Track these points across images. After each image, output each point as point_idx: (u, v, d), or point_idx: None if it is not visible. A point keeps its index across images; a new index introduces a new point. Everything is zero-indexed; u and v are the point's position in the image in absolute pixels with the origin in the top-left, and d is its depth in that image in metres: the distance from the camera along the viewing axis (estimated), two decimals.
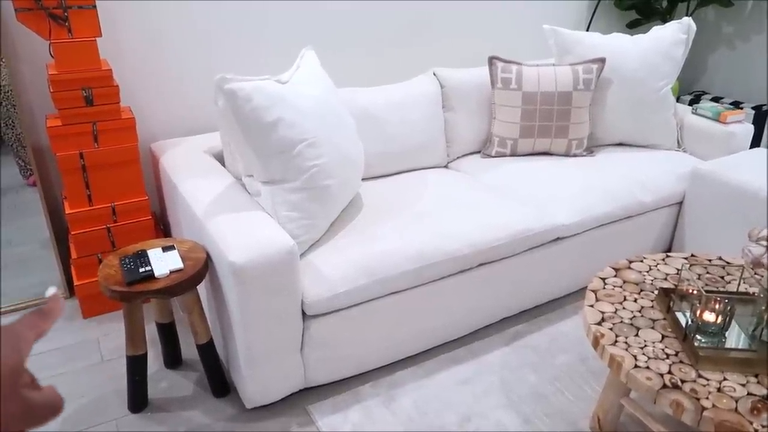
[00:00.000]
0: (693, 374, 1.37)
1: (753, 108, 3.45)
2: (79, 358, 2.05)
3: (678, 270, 1.79)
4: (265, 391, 1.76)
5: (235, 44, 2.50)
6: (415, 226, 1.96)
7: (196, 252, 1.77)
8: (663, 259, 1.85)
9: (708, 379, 1.35)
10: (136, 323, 1.72)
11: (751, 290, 1.67)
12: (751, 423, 1.23)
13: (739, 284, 1.68)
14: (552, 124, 2.51)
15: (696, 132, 2.71)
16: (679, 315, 1.55)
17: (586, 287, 2.20)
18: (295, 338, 1.74)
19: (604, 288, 1.69)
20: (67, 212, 2.10)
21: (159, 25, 2.32)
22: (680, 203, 2.52)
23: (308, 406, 1.84)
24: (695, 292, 1.58)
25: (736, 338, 1.48)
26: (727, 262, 1.84)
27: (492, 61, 2.55)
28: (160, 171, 2.19)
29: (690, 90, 3.96)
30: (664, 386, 1.33)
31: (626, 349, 1.44)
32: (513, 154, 2.60)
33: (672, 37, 2.64)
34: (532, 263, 2.15)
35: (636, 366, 1.39)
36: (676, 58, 2.65)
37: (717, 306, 1.47)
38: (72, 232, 2.13)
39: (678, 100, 3.71)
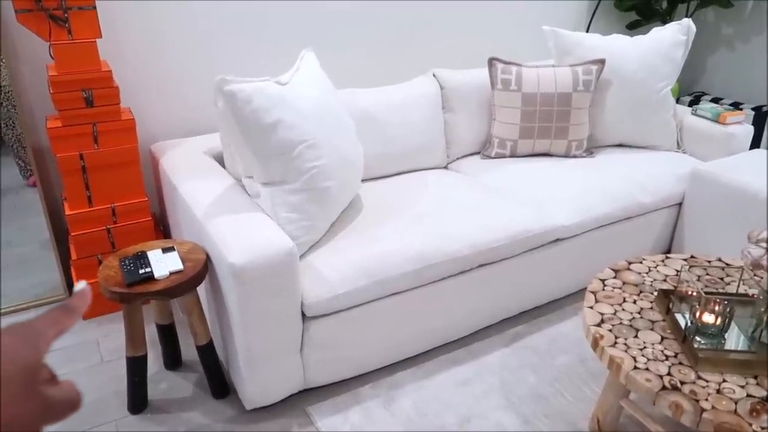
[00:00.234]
0: (692, 376, 1.37)
1: (753, 109, 3.45)
2: (78, 359, 2.05)
3: (677, 271, 1.79)
4: (265, 393, 1.77)
5: (235, 45, 2.50)
6: (414, 227, 1.96)
7: (195, 253, 1.77)
8: (662, 261, 1.85)
9: (707, 381, 1.36)
10: (135, 324, 1.72)
11: (750, 292, 1.67)
12: (751, 425, 1.23)
13: (738, 286, 1.68)
14: (552, 126, 2.52)
15: (696, 133, 2.71)
16: (678, 316, 1.56)
17: (586, 288, 2.20)
18: (295, 339, 1.74)
19: (604, 289, 1.69)
20: (67, 213, 2.10)
21: (159, 26, 2.32)
22: (680, 204, 2.52)
23: (308, 408, 1.84)
24: (695, 293, 1.58)
25: (735, 340, 1.48)
26: (727, 264, 1.84)
27: (492, 62, 2.55)
28: (160, 172, 2.20)
29: (690, 91, 3.96)
30: (664, 388, 1.33)
31: (626, 351, 1.44)
32: (513, 156, 2.60)
33: (672, 38, 2.64)
34: (531, 264, 2.15)
35: (635, 367, 1.39)
36: (676, 59, 2.65)
37: (716, 307, 1.47)
38: (72, 233, 2.13)
39: (678, 101, 3.71)
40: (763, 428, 1.22)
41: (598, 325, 1.54)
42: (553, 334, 2.18)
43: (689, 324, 1.51)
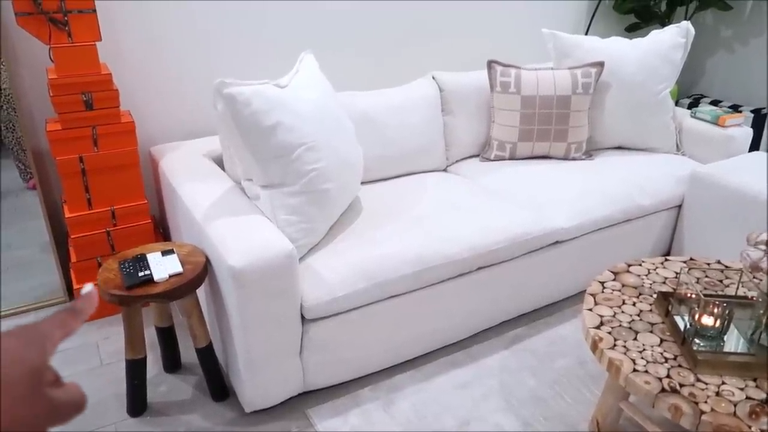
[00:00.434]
0: (691, 378, 1.37)
1: (752, 111, 3.46)
2: (78, 362, 2.05)
3: (677, 274, 1.79)
4: (265, 395, 1.76)
5: (234, 48, 2.51)
6: (414, 229, 1.96)
7: (195, 256, 1.77)
8: (662, 263, 1.85)
9: (706, 383, 1.36)
10: (135, 327, 1.72)
11: (749, 294, 1.67)
12: (750, 427, 1.23)
13: (737, 288, 1.68)
14: (551, 128, 2.52)
15: (695, 135, 2.71)
16: (677, 319, 1.56)
17: (585, 291, 2.20)
18: (295, 342, 1.74)
19: (603, 292, 1.69)
20: (66, 216, 2.11)
21: (158, 28, 2.33)
22: (679, 206, 2.52)
23: (307, 410, 1.84)
24: (694, 295, 1.58)
25: (734, 342, 1.48)
26: (726, 266, 1.84)
27: (491, 64, 2.55)
28: (160, 175, 2.20)
29: (689, 93, 3.97)
30: (663, 390, 1.33)
31: (625, 353, 1.44)
32: (512, 158, 2.60)
33: (671, 40, 2.65)
34: (531, 267, 2.15)
35: (635, 370, 1.39)
36: (675, 61, 2.65)
37: (715, 310, 1.47)
38: (72, 236, 2.13)
39: (677, 103, 3.72)
40: (762, 430, 1.22)
41: (598, 327, 1.54)
42: (553, 336, 2.18)
43: (688, 326, 1.51)
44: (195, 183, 1.96)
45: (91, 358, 2.07)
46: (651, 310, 1.61)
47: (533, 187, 2.32)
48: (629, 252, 2.45)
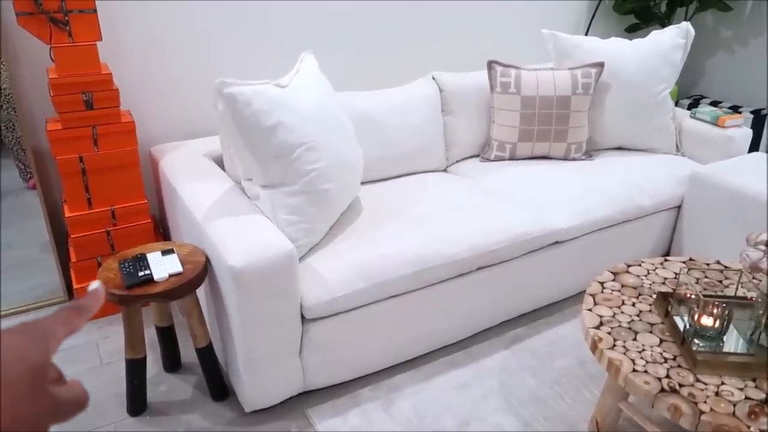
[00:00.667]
0: (691, 378, 1.37)
1: (752, 112, 3.46)
2: (78, 362, 2.05)
3: (676, 274, 1.80)
4: (264, 395, 1.77)
5: (234, 48, 2.51)
6: (414, 229, 1.96)
7: (195, 256, 1.77)
8: (661, 263, 1.85)
9: (706, 384, 1.36)
10: (135, 327, 1.73)
11: (749, 294, 1.67)
12: (749, 427, 1.23)
13: (737, 288, 1.69)
14: (551, 128, 2.52)
15: (694, 136, 2.72)
16: (677, 319, 1.56)
17: (585, 291, 2.20)
18: (294, 342, 1.74)
19: (603, 292, 1.70)
20: (66, 215, 2.11)
21: (159, 28, 2.33)
22: (679, 207, 2.52)
23: (307, 410, 1.84)
24: (693, 296, 1.59)
25: (734, 342, 1.48)
26: (726, 267, 1.84)
27: (491, 65, 2.55)
28: (160, 174, 2.20)
29: (688, 94, 3.97)
30: (662, 390, 1.33)
31: (624, 353, 1.44)
32: (512, 158, 2.60)
33: (671, 41, 2.65)
34: (530, 267, 2.16)
35: (634, 370, 1.39)
36: (675, 62, 2.66)
37: (715, 310, 1.47)
38: (72, 236, 2.13)
39: (677, 104, 3.72)
40: (761, 431, 1.22)
41: (597, 327, 1.54)
42: (553, 336, 2.18)
43: (688, 327, 1.51)
44: (195, 183, 1.96)
45: (91, 357, 2.08)
46: (650, 311, 1.61)
47: (533, 188, 2.32)
48: (629, 252, 2.46)
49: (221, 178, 1.99)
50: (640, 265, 1.84)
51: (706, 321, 1.47)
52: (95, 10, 1.92)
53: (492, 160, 2.61)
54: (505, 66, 2.55)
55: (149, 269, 1.68)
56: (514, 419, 1.81)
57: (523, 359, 2.06)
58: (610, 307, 1.62)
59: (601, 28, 3.60)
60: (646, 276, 1.78)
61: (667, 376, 1.37)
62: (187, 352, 2.08)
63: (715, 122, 2.66)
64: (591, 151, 2.72)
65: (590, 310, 1.61)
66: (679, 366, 1.41)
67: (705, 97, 3.78)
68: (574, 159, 2.60)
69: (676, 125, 2.77)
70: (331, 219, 1.91)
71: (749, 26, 3.58)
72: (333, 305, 1.73)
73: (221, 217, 1.75)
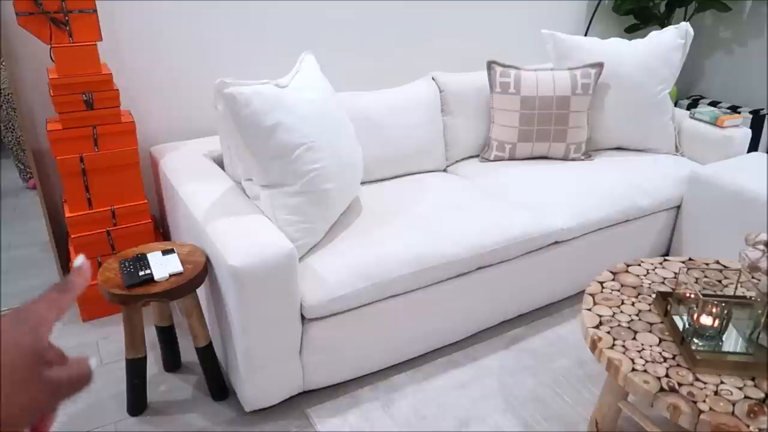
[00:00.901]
0: (690, 378, 1.37)
1: (750, 112, 3.47)
2: None
3: (675, 274, 1.80)
4: (264, 395, 1.77)
5: (234, 48, 2.51)
6: (413, 229, 1.96)
7: (195, 255, 1.77)
8: (661, 263, 1.85)
9: (705, 383, 1.36)
10: (135, 326, 1.73)
11: (748, 294, 1.68)
12: (748, 426, 1.24)
13: (736, 288, 1.69)
14: (550, 129, 2.52)
15: (694, 136, 2.72)
16: (676, 318, 1.56)
17: (584, 291, 2.21)
18: (294, 341, 1.74)
19: (602, 292, 1.70)
20: (66, 215, 2.11)
21: (159, 28, 2.33)
22: (678, 207, 2.53)
23: (307, 410, 1.84)
24: (693, 295, 1.59)
25: (733, 342, 1.49)
26: (725, 266, 1.84)
27: (490, 65, 2.56)
28: (160, 174, 2.20)
29: (688, 94, 3.97)
30: (662, 389, 1.33)
31: (624, 353, 1.45)
32: (511, 158, 2.61)
33: (670, 41, 2.66)
34: (530, 267, 2.16)
35: (633, 369, 1.39)
36: (674, 62, 2.66)
37: (714, 310, 1.47)
38: (72, 236, 2.13)
39: (676, 104, 3.72)
40: (760, 430, 1.23)
41: (597, 327, 1.54)
42: (552, 336, 2.18)
43: (687, 326, 1.52)
44: (195, 183, 1.97)
45: (91, 357, 2.07)
46: (650, 310, 1.62)
47: (532, 188, 2.33)
48: (628, 252, 2.46)
49: (221, 178, 2.00)
50: (639, 265, 1.84)
51: (706, 320, 1.48)
52: (95, 10, 1.93)
53: (491, 161, 2.61)
54: (504, 66, 2.55)
55: (149, 269, 1.68)
56: (513, 419, 1.81)
57: (522, 359, 2.06)
58: (610, 307, 1.63)
59: (601, 28, 3.61)
60: (645, 276, 1.78)
61: (667, 376, 1.37)
62: (187, 352, 2.08)
63: (714, 122, 2.66)
64: (590, 151, 2.72)
65: (590, 309, 1.62)
66: (678, 365, 1.41)
67: (704, 98, 3.79)
68: (573, 159, 2.60)
69: (676, 125, 2.77)
70: (331, 219, 1.91)
71: (748, 27, 3.58)
72: (333, 305, 1.74)
73: (221, 217, 1.75)
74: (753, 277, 1.75)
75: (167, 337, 1.96)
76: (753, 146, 3.47)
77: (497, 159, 2.60)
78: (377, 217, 2.05)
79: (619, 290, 1.71)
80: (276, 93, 1.74)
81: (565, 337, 2.18)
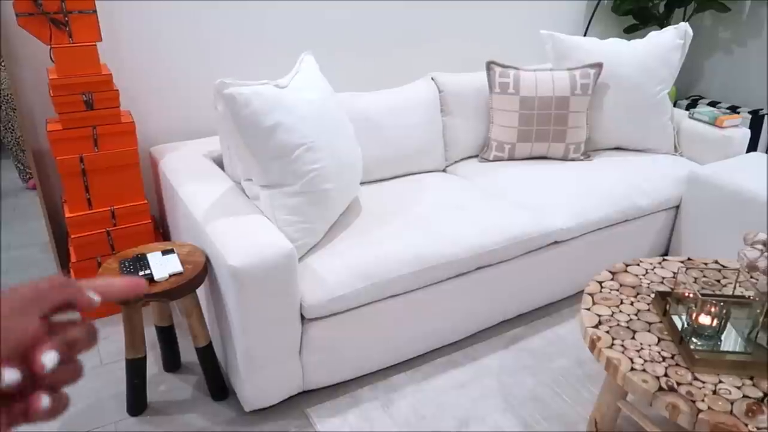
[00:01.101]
0: (689, 377, 1.38)
1: (749, 112, 3.47)
2: None
3: (674, 273, 1.80)
4: (264, 394, 1.77)
5: (234, 48, 2.51)
6: (412, 230, 1.97)
7: (195, 255, 1.78)
8: (659, 263, 1.86)
9: (704, 382, 1.36)
10: (135, 327, 1.73)
11: (746, 294, 1.68)
12: (747, 425, 1.24)
13: (734, 288, 1.69)
14: (549, 129, 2.53)
15: (693, 136, 2.73)
16: (675, 318, 1.56)
17: (583, 291, 2.21)
18: (294, 341, 1.74)
19: (601, 291, 1.70)
20: (66, 216, 2.11)
21: (158, 29, 2.33)
22: (677, 207, 2.53)
23: (307, 409, 1.84)
24: (691, 295, 1.59)
25: (731, 341, 1.49)
26: (723, 266, 1.85)
27: (490, 65, 2.56)
28: (160, 175, 2.20)
29: (687, 95, 3.98)
30: (660, 389, 1.33)
31: (623, 352, 1.45)
32: (511, 159, 2.61)
33: (669, 42, 2.66)
34: (529, 267, 2.16)
35: (632, 369, 1.39)
36: (673, 63, 2.66)
37: (713, 309, 1.48)
38: (71, 236, 2.13)
39: (675, 104, 3.73)
40: (759, 429, 1.23)
41: (596, 326, 1.55)
42: (551, 336, 2.19)
43: (686, 326, 1.52)
44: (195, 183, 1.97)
45: (91, 357, 2.08)
46: (649, 310, 1.62)
47: (532, 188, 2.33)
48: (627, 252, 2.46)
49: (221, 178, 2.00)
50: (638, 265, 1.84)
51: (704, 320, 1.48)
52: (95, 11, 1.93)
53: (491, 161, 2.61)
54: (503, 66, 2.55)
55: (149, 269, 1.68)
56: (512, 419, 1.81)
57: (521, 359, 2.07)
58: (609, 307, 1.63)
59: (600, 28, 3.61)
60: (644, 275, 1.79)
61: (665, 375, 1.38)
62: (187, 352, 2.08)
63: (713, 122, 2.67)
64: (589, 151, 2.72)
65: (589, 309, 1.62)
66: (677, 365, 1.41)
67: (703, 98, 3.79)
68: (572, 159, 2.61)
69: (675, 125, 2.78)
70: (331, 219, 1.91)
71: (747, 27, 3.59)
72: (332, 305, 1.74)
73: (221, 217, 1.75)
74: (751, 277, 1.75)
75: (167, 337, 1.96)
76: (752, 146, 3.48)
77: (496, 159, 2.61)
78: (377, 217, 2.06)
79: (618, 290, 1.71)
80: (275, 93, 1.75)
81: (564, 336, 2.18)
